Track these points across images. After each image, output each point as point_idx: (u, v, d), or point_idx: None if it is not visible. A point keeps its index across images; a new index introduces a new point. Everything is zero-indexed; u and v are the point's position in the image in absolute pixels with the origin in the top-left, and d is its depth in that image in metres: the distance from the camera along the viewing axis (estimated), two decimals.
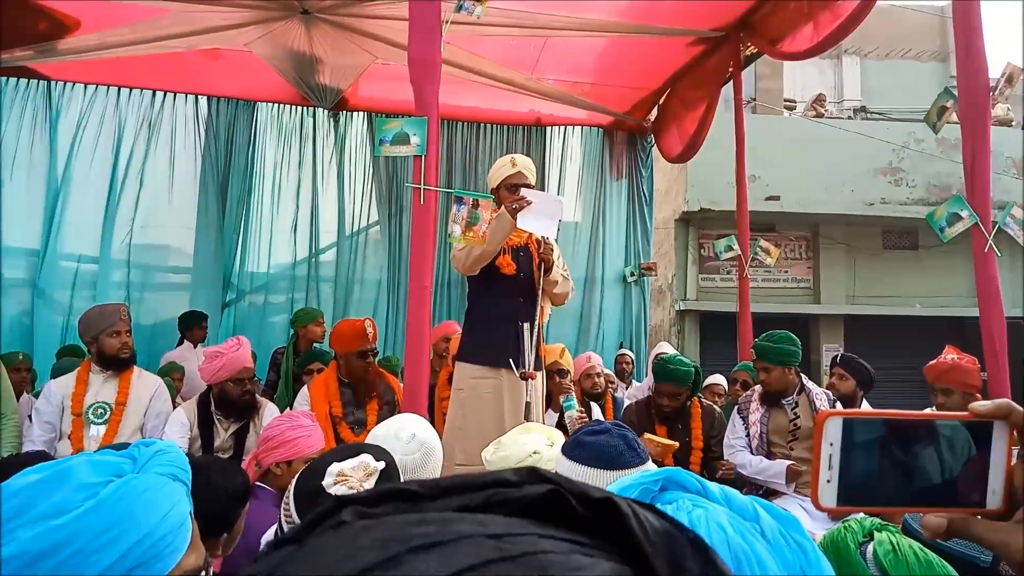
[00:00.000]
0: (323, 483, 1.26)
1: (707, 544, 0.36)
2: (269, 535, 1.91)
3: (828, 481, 0.61)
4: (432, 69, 3.08)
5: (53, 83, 6.29)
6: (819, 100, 10.91)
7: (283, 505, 1.27)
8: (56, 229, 6.24)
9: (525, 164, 3.48)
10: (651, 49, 5.82)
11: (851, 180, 10.21)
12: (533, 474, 0.37)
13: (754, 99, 11.19)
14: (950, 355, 3.45)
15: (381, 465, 1.29)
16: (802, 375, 3.78)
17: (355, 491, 1.24)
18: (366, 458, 1.30)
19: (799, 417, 3.61)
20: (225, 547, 1.89)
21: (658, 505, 0.68)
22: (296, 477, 1.30)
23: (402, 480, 1.33)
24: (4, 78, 6.16)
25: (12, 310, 6.09)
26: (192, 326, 5.90)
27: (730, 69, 5.79)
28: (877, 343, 10.05)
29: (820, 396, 3.69)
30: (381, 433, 1.85)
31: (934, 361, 3.49)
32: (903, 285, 10.85)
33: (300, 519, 1.23)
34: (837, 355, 4.36)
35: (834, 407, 3.68)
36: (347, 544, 0.33)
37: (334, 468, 1.28)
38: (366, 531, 0.34)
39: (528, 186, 3.45)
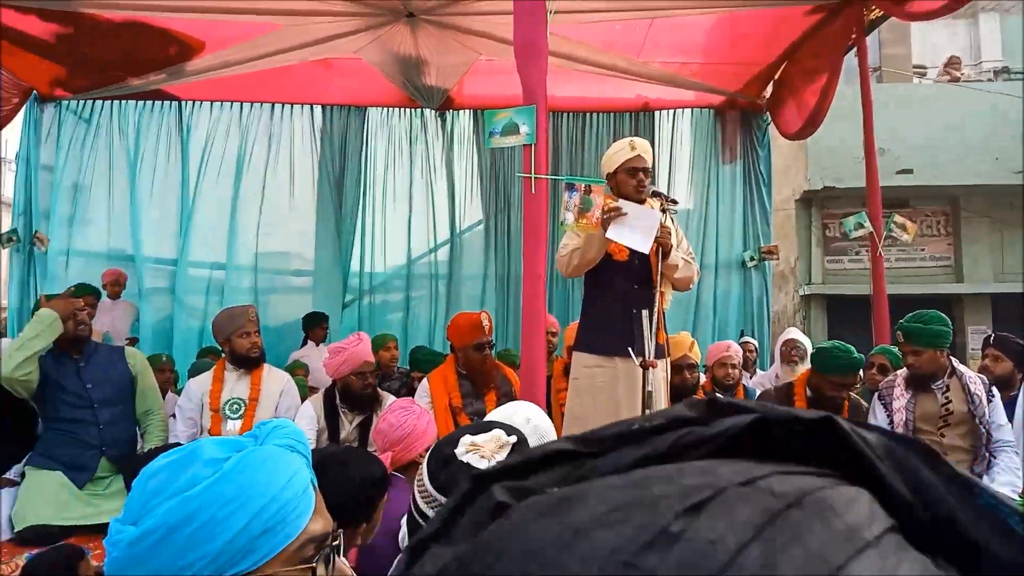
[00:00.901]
0: (455, 451, 1.25)
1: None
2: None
3: None
4: (538, 55, 3.03)
5: (183, 103, 6.71)
6: (952, 63, 10.09)
7: (416, 478, 1.26)
8: (188, 239, 6.66)
9: (644, 147, 3.37)
10: (764, 21, 5.54)
11: (994, 147, 9.37)
12: (712, 406, 0.32)
13: (879, 67, 10.48)
14: None
15: (513, 439, 1.28)
16: (953, 358, 3.47)
17: (487, 461, 1.22)
18: (498, 432, 1.29)
19: (951, 402, 3.31)
20: (364, 537, 1.92)
21: None
22: (430, 450, 1.30)
23: None
24: (141, 101, 6.63)
25: (153, 316, 6.56)
26: (314, 326, 6.15)
27: (852, 35, 5.42)
28: None
29: (974, 379, 3.37)
30: (496, 418, 1.83)
31: None
32: None
33: (432, 486, 1.22)
34: (990, 335, 3.99)
35: (990, 391, 3.37)
36: (563, 524, 0.27)
37: (467, 439, 1.27)
38: (582, 503, 0.28)
39: (646, 170, 3.34)
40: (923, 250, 10.15)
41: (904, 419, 3.36)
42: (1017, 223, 10.06)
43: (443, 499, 1.20)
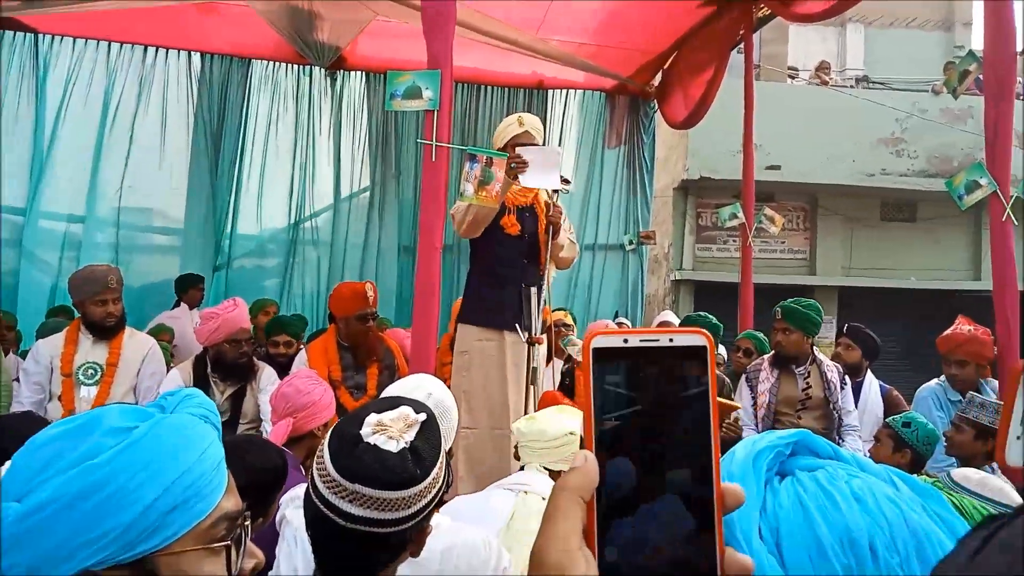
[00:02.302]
0: (360, 432, 1.18)
1: None
2: (292, 494, 1.83)
3: (1018, 438, 0.52)
4: (446, 20, 2.94)
5: (41, 36, 6.07)
6: (823, 68, 10.75)
7: (316, 458, 1.19)
8: (42, 187, 6.07)
9: (532, 123, 3.36)
10: (659, 10, 5.66)
11: (852, 150, 10.10)
12: None
13: (759, 65, 11.02)
14: (965, 326, 3.39)
15: (422, 417, 1.22)
16: (815, 348, 3.74)
17: (396, 441, 1.16)
18: (406, 409, 1.22)
19: (811, 387, 3.56)
20: (256, 530, 1.82)
21: (798, 472, 0.61)
22: (331, 429, 1.22)
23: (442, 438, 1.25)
24: None
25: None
26: (188, 288, 5.78)
27: (740, 31, 5.64)
28: (871, 316, 10.03)
29: (831, 368, 3.65)
30: (395, 392, 1.78)
31: (948, 332, 3.44)
32: (899, 257, 10.81)
33: (335, 470, 1.15)
34: (844, 325, 4.30)
35: (843, 379, 3.64)
36: None
37: (372, 418, 1.20)
38: None
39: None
40: (783, 243, 10.82)
41: (768, 400, 3.59)
42: (865, 222, 10.92)
43: (347, 484, 1.13)
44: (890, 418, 3.27)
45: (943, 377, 3.67)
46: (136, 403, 3.42)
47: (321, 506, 1.15)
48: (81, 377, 3.36)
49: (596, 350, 0.49)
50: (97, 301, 3.32)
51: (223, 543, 0.83)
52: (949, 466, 3.20)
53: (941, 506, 0.59)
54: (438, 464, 1.21)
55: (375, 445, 1.16)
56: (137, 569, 0.76)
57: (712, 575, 0.46)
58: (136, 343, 3.51)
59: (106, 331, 3.38)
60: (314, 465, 1.20)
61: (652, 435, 0.48)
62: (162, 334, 5.09)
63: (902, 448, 2.96)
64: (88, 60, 6.18)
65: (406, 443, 1.17)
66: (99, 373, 3.38)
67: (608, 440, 0.48)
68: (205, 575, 0.80)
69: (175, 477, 0.79)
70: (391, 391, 1.70)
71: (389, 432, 1.18)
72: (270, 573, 1.97)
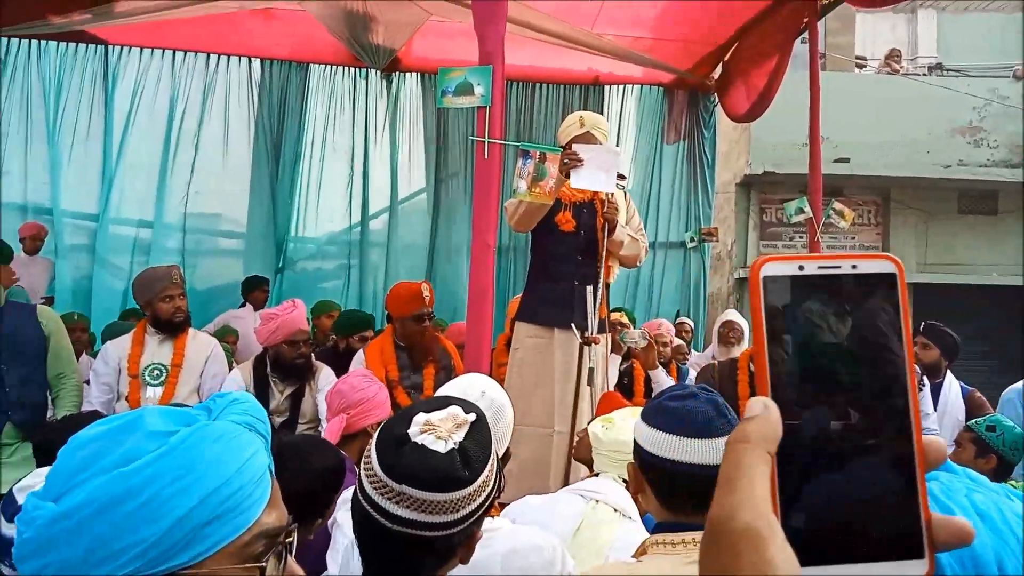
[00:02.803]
0: (408, 431, 1.13)
1: None
2: (345, 496, 1.81)
3: None
4: (497, 16, 2.89)
5: (110, 47, 6.29)
6: (893, 56, 10.33)
7: (364, 458, 1.15)
8: (112, 194, 6.29)
9: (594, 123, 3.29)
10: (718, 1, 5.50)
11: (927, 141, 9.66)
12: None
13: (824, 55, 10.66)
14: None
15: (472, 417, 1.17)
16: None
17: (444, 442, 1.12)
18: (455, 409, 1.17)
19: None
20: (314, 532, 1.81)
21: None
22: (379, 428, 1.18)
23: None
24: (63, 43, 6.18)
25: (72, 275, 6.18)
26: (254, 289, 5.92)
27: (805, 20, 5.43)
28: (949, 314, 9.56)
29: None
30: (448, 391, 1.73)
31: None
32: (979, 252, 10.29)
33: (382, 471, 1.10)
34: (922, 323, 4.09)
35: (922, 379, 3.45)
36: None
37: (420, 418, 1.15)
38: None
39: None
40: (854, 238, 10.43)
41: None
42: (941, 216, 10.43)
43: (393, 484, 1.08)
44: (973, 421, 3.07)
45: None
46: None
47: (367, 507, 1.11)
48: (147, 378, 3.44)
49: (767, 279, 0.43)
50: (164, 297, 3.39)
51: (259, 564, 0.77)
52: None
53: None
54: (488, 467, 1.15)
55: (422, 445, 1.11)
56: None
57: (917, 543, 0.40)
58: (199, 344, 3.57)
59: (175, 328, 3.45)
60: (362, 464, 1.16)
61: (835, 379, 0.41)
62: (227, 336, 5.21)
63: (986, 454, 2.78)
64: (154, 69, 6.39)
65: (455, 444, 1.12)
66: (164, 374, 3.45)
67: (784, 385, 0.41)
68: None
69: (213, 488, 0.74)
70: (444, 391, 1.66)
71: (437, 432, 1.13)
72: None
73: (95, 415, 3.13)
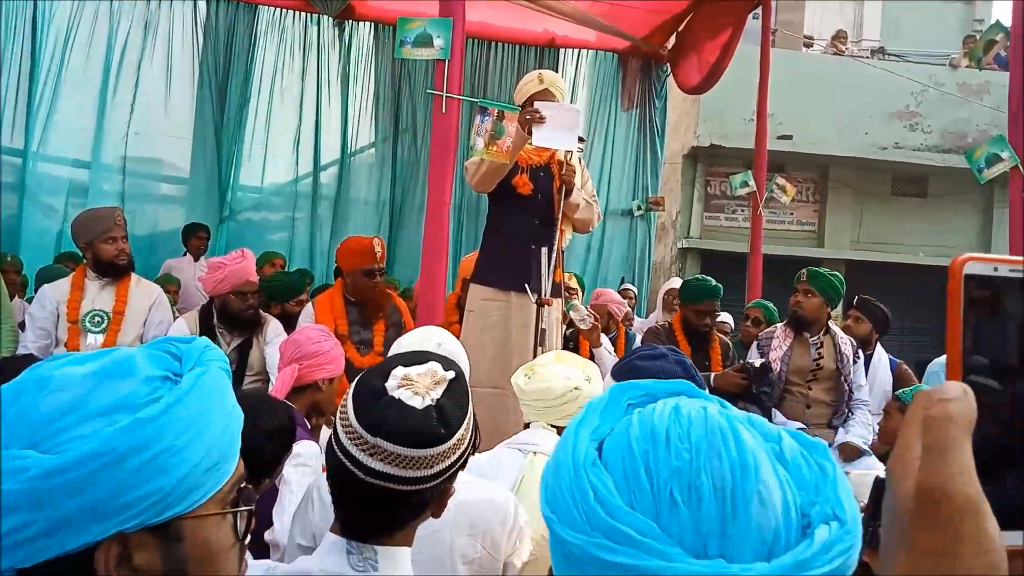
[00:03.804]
0: (386, 384, 1.13)
1: None
2: (302, 448, 1.80)
3: None
4: None
5: None
6: (839, 37, 10.55)
7: (340, 408, 1.16)
8: (45, 131, 5.97)
9: (552, 81, 3.28)
10: None
11: (866, 123, 9.96)
12: None
13: (775, 31, 10.81)
14: None
15: (450, 375, 1.18)
16: (830, 319, 3.72)
17: (421, 397, 1.12)
18: (434, 366, 1.18)
19: (822, 358, 3.53)
20: (260, 492, 1.80)
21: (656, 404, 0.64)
22: (356, 380, 1.18)
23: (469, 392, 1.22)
24: None
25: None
26: (191, 236, 5.74)
27: None
28: (879, 291, 9.97)
29: (845, 340, 3.63)
30: (406, 343, 1.74)
31: None
32: (909, 233, 10.73)
33: (358, 423, 1.11)
34: (855, 298, 4.27)
35: (856, 352, 3.61)
36: None
37: (399, 371, 1.15)
38: None
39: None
40: (792, 214, 10.73)
41: (778, 369, 3.56)
42: (877, 196, 10.82)
43: (368, 437, 1.10)
44: (899, 391, 3.26)
45: None
46: None
47: (342, 457, 1.12)
48: (88, 324, 3.32)
49: (969, 278, 0.45)
50: (107, 239, 3.26)
51: (248, 507, 0.79)
52: None
53: (824, 457, 0.61)
54: (464, 425, 1.17)
55: (400, 400, 1.12)
56: (161, 534, 0.71)
57: None
58: (143, 290, 3.46)
59: (118, 271, 3.32)
60: (337, 415, 1.16)
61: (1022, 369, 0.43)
62: (168, 285, 5.06)
63: None
64: (91, 3, 6.04)
65: (432, 400, 1.13)
66: (106, 321, 3.34)
67: (979, 381, 0.44)
68: (223, 540, 0.76)
69: (215, 436, 0.74)
70: (400, 344, 1.67)
71: (415, 388, 1.14)
72: (266, 532, 1.96)
73: (30, 358, 3.02)
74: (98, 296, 3.32)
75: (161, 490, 0.69)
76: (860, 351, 3.63)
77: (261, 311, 3.55)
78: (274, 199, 6.69)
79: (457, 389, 1.17)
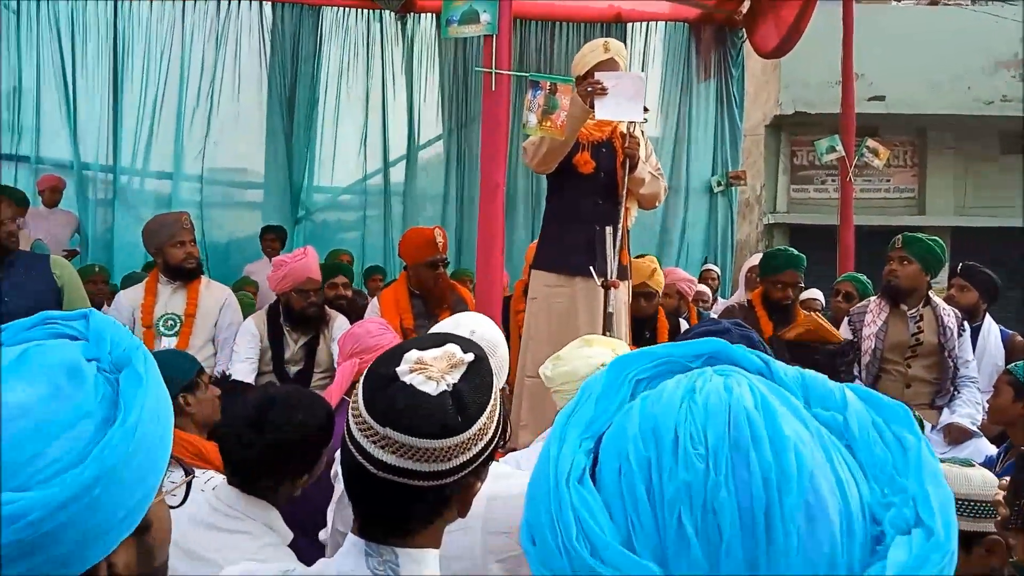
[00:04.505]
0: (397, 369, 1.02)
1: None
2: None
3: None
4: None
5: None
6: None
7: (352, 398, 1.06)
8: (130, 146, 6.23)
9: (618, 49, 3.11)
10: None
11: (967, 77, 9.22)
12: None
13: None
14: None
15: (469, 357, 1.04)
16: (931, 291, 3.40)
17: (436, 383, 1.00)
18: (452, 348, 1.05)
19: (922, 332, 3.23)
20: (302, 487, 1.76)
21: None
22: (368, 366, 1.08)
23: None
24: None
25: (95, 228, 6.18)
26: (263, 238, 5.86)
27: None
28: (988, 258, 9.25)
29: (948, 312, 3.31)
30: (438, 330, 1.64)
31: None
32: (1020, 194, 9.90)
33: (368, 414, 0.99)
34: (959, 265, 3.91)
35: (962, 324, 3.30)
36: None
37: (412, 355, 1.03)
38: None
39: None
40: (888, 180, 10.10)
41: (872, 346, 3.29)
42: (983, 156, 10.03)
43: (377, 427, 0.99)
44: (1012, 365, 2.92)
45: None
46: (215, 353, 3.48)
47: (354, 450, 1.02)
48: (161, 328, 3.40)
49: None
50: (175, 243, 3.32)
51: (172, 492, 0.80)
52: None
53: (906, 426, 0.46)
54: (486, 413, 1.04)
55: (411, 386, 1.00)
56: (138, 530, 0.71)
57: None
58: (213, 293, 3.52)
59: (187, 274, 3.39)
60: (350, 404, 1.06)
61: None
62: (246, 286, 5.18)
63: None
64: (166, 19, 6.23)
65: (448, 386, 1.01)
66: (178, 324, 3.41)
67: None
68: (167, 513, 0.78)
69: (169, 426, 0.74)
70: (434, 329, 1.56)
71: (429, 372, 1.02)
72: (320, 532, 1.90)
73: None
74: (170, 300, 3.39)
75: (150, 489, 0.69)
76: (966, 323, 3.31)
77: (326, 308, 3.54)
78: (346, 198, 6.77)
79: (478, 373, 1.04)
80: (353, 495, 1.07)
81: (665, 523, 0.42)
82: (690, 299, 4.50)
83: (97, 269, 4.83)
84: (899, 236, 3.36)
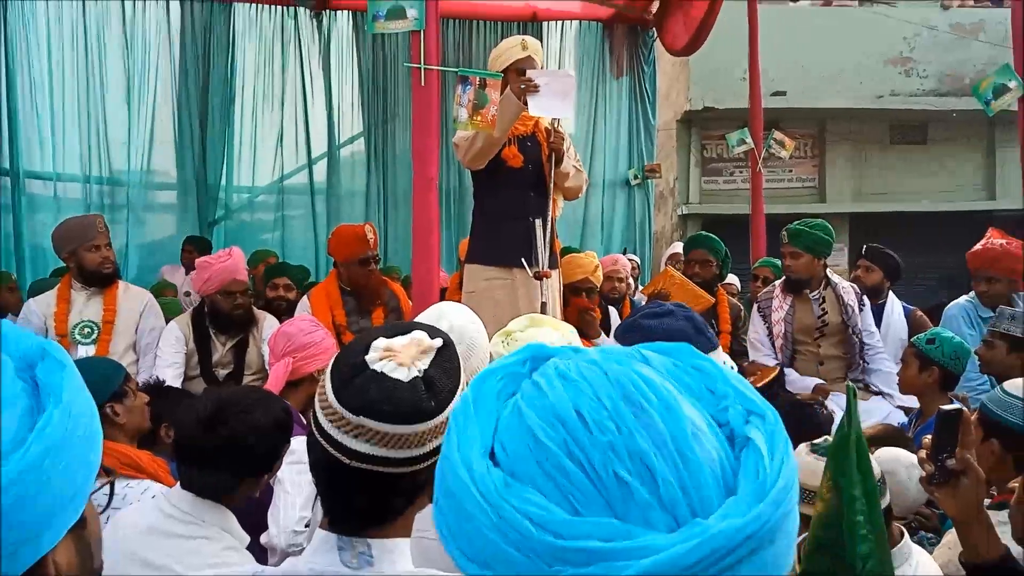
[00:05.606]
0: (366, 358, 1.02)
1: None
2: (297, 443, 1.72)
3: None
4: None
5: None
6: None
7: (319, 389, 1.06)
8: (27, 148, 5.87)
9: (535, 48, 3.18)
10: None
11: (860, 72, 9.78)
12: None
13: None
14: (997, 240, 3.23)
15: (437, 343, 1.06)
16: (828, 270, 3.58)
17: (406, 369, 1.02)
18: (419, 334, 1.06)
19: (827, 313, 3.42)
20: (262, 487, 1.73)
21: (529, 380, 0.56)
22: (335, 357, 1.08)
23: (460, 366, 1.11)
24: None
25: None
26: (184, 248, 5.62)
27: None
28: (883, 241, 9.83)
29: (847, 289, 3.51)
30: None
31: (979, 247, 3.29)
32: (911, 181, 10.57)
33: (337, 401, 1.00)
34: (863, 247, 4.16)
35: (861, 299, 3.51)
36: None
37: (380, 343, 1.04)
38: None
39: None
40: (791, 171, 10.59)
41: (783, 331, 3.46)
42: (876, 146, 10.65)
43: (350, 416, 1.00)
44: (915, 337, 3.14)
45: (972, 294, 3.53)
46: (137, 360, 3.34)
47: (323, 442, 1.02)
48: (78, 337, 3.25)
49: None
50: (91, 247, 3.18)
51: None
52: (981, 384, 3.09)
53: (695, 357, 0.56)
54: (456, 397, 1.07)
55: (382, 373, 1.01)
56: (75, 527, 0.70)
57: None
58: (131, 297, 3.39)
59: (104, 280, 3.25)
60: (316, 397, 1.06)
61: None
62: (165, 290, 4.97)
63: (928, 367, 2.82)
64: (67, 14, 5.91)
65: (418, 372, 1.02)
66: (96, 332, 3.27)
67: None
68: (96, 518, 0.78)
69: (95, 409, 0.74)
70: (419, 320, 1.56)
71: (398, 359, 1.03)
72: (262, 536, 1.88)
73: None
74: (86, 307, 3.25)
75: (94, 467, 0.69)
76: (865, 298, 3.52)
77: (254, 309, 3.46)
78: (265, 198, 6.60)
79: (446, 358, 1.07)
80: (324, 489, 1.07)
81: (604, 483, 0.48)
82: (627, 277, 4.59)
83: (13, 278, 4.56)
84: (784, 231, 3.52)
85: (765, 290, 3.74)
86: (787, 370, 3.44)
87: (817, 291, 3.47)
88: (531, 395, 0.53)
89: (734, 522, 0.46)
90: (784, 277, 3.55)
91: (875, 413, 3.16)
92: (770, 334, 3.52)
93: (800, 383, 3.33)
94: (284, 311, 3.79)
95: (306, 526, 1.92)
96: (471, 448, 0.52)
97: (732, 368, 1.81)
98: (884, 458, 1.97)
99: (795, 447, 2.35)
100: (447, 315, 1.61)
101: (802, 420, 2.43)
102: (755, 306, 3.70)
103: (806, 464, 1.71)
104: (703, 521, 0.47)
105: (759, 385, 3.12)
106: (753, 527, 0.46)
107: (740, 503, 0.47)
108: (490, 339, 3.09)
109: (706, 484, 0.48)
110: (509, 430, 0.52)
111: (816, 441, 1.64)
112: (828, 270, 3.57)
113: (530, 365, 0.57)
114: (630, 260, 6.40)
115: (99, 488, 0.83)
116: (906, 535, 1.82)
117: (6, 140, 5.79)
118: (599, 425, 0.49)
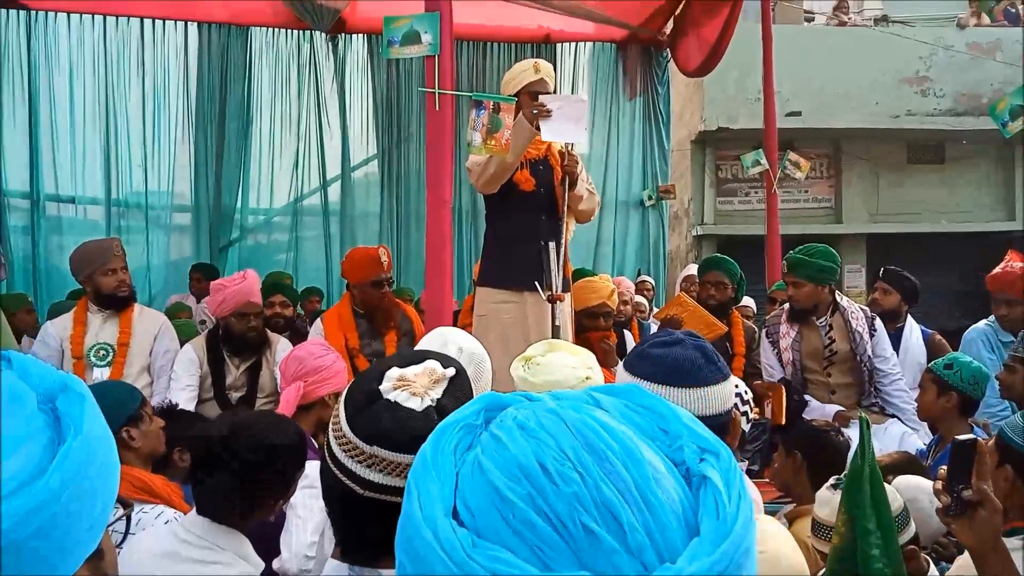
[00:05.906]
0: (380, 387, 1.02)
1: None
2: (310, 468, 1.71)
3: None
4: None
5: (34, 13, 5.91)
6: (841, 7, 10.35)
7: (332, 418, 1.06)
8: (47, 171, 5.96)
9: (548, 71, 3.18)
10: None
11: (876, 92, 9.75)
12: None
13: (774, 6, 10.63)
14: (1017, 263, 3.18)
15: (451, 372, 1.06)
16: (838, 293, 3.52)
17: (420, 399, 1.01)
18: (432, 364, 1.06)
19: (834, 341, 3.35)
20: (276, 512, 1.72)
21: (487, 432, 0.54)
22: (348, 386, 1.08)
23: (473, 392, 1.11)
24: None
25: (19, 258, 5.88)
26: (192, 276, 5.65)
27: None
28: (901, 262, 9.74)
29: (856, 315, 3.41)
30: (422, 348, 1.64)
31: (999, 270, 3.23)
32: (928, 201, 10.48)
33: (351, 431, 0.99)
34: (880, 270, 4.11)
35: (873, 323, 3.43)
36: None
37: (393, 372, 1.04)
38: None
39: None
40: (807, 192, 10.54)
41: (791, 358, 3.39)
42: (892, 166, 10.59)
43: (364, 446, 0.99)
44: (932, 362, 3.09)
45: (992, 318, 3.47)
46: (152, 382, 3.36)
47: (338, 472, 1.01)
48: (93, 359, 3.27)
49: None
50: (107, 271, 3.21)
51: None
52: (1003, 410, 3.03)
53: (643, 396, 0.56)
54: None
55: (396, 403, 1.01)
56: (92, 557, 0.73)
57: None
58: (146, 320, 3.41)
59: (119, 303, 3.28)
60: (330, 426, 1.06)
61: None
62: (180, 312, 5.01)
63: (947, 392, 2.76)
64: (87, 38, 6.03)
65: (432, 401, 1.02)
66: (111, 354, 3.29)
67: None
68: (112, 550, 0.84)
69: (112, 438, 0.75)
70: (420, 346, 1.56)
71: (412, 388, 1.02)
72: (274, 561, 1.87)
73: None
74: (101, 329, 3.27)
75: (112, 497, 0.71)
76: (877, 322, 3.43)
77: (268, 331, 3.47)
78: (280, 219, 6.66)
79: (459, 387, 1.06)
80: (338, 518, 1.06)
81: (572, 534, 0.47)
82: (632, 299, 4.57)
83: (28, 300, 4.61)
84: (784, 261, 3.45)
85: (773, 314, 3.69)
86: (806, 397, 3.38)
87: (824, 317, 3.39)
88: (491, 448, 0.52)
89: (702, 563, 0.46)
90: (789, 310, 3.48)
91: (892, 434, 3.11)
92: (780, 360, 3.47)
93: (820, 411, 3.27)
94: (281, 328, 3.81)
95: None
96: (433, 507, 0.51)
97: (746, 394, 1.77)
98: (904, 486, 1.93)
99: (812, 473, 2.33)
100: (453, 339, 1.60)
101: (819, 447, 2.39)
102: (764, 331, 3.64)
103: (827, 500, 1.67)
104: (672, 566, 0.47)
105: (778, 405, 3.09)
106: (720, 567, 0.47)
107: (705, 543, 0.48)
108: (503, 362, 3.09)
109: (670, 526, 0.48)
110: (472, 486, 0.51)
111: (840, 476, 1.61)
112: (837, 294, 3.51)
113: (484, 416, 0.56)
114: (644, 282, 6.40)
115: (116, 520, 0.84)
116: (931, 565, 1.78)
117: (27, 163, 5.88)
118: (563, 476, 0.48)
